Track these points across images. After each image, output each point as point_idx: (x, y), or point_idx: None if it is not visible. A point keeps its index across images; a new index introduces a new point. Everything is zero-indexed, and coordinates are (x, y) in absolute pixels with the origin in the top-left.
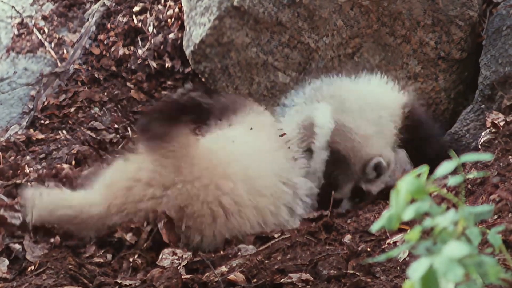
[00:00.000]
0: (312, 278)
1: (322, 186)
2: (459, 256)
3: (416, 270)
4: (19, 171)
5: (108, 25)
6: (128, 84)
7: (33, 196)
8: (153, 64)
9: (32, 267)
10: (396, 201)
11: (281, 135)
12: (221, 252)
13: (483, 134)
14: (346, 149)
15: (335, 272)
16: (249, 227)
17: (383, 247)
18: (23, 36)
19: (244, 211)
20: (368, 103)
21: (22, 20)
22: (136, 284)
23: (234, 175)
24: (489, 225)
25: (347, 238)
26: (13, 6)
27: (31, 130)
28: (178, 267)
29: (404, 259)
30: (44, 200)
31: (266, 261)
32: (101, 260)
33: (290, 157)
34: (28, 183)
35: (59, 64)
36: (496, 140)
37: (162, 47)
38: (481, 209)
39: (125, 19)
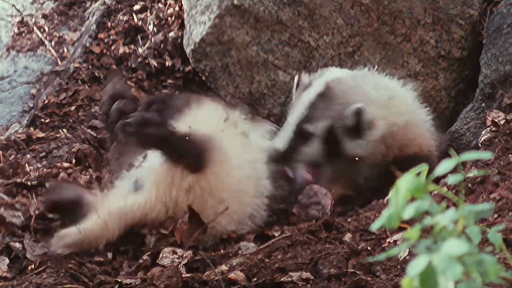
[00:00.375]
0: (312, 277)
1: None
2: (458, 254)
3: (415, 267)
4: (19, 170)
5: (109, 24)
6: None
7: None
8: (154, 62)
9: (33, 266)
10: (396, 199)
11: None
12: (222, 251)
13: (483, 132)
14: (334, 90)
15: (335, 270)
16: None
17: (383, 245)
18: (23, 34)
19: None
20: (390, 91)
21: (23, 18)
22: (137, 283)
23: None
24: (489, 223)
25: (348, 236)
26: (13, 5)
27: (32, 128)
28: (179, 266)
29: (405, 258)
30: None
31: (267, 260)
32: (101, 259)
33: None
34: (29, 182)
35: (59, 63)
36: (496, 139)
37: (162, 45)
38: (481, 208)
39: (125, 18)
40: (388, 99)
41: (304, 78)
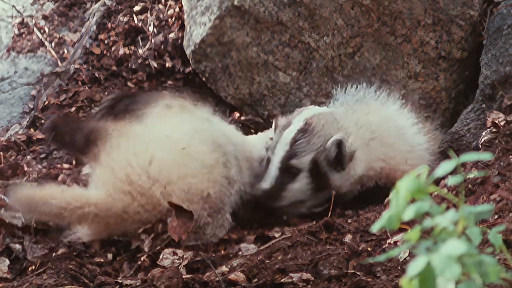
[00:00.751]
0: (312, 278)
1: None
2: (457, 254)
3: (414, 268)
4: (18, 171)
5: (109, 25)
6: (128, 83)
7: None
8: (154, 63)
9: (33, 267)
10: (396, 201)
11: None
12: (222, 252)
13: (483, 133)
14: (314, 125)
15: (335, 271)
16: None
17: (383, 246)
18: (23, 35)
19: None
20: (371, 131)
21: (23, 19)
22: (137, 284)
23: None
24: (489, 224)
25: (348, 237)
26: (13, 6)
27: (32, 129)
28: (179, 267)
29: (405, 258)
30: (59, 197)
31: (267, 261)
32: (102, 260)
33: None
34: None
35: (59, 64)
36: (496, 140)
37: (162, 46)
38: (481, 209)
39: (125, 19)
40: (368, 140)
41: (281, 120)
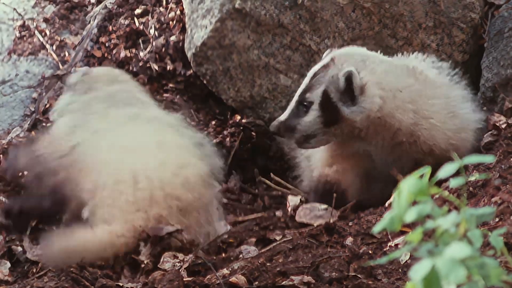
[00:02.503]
0: (313, 281)
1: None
2: (462, 257)
3: (418, 271)
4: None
5: (110, 28)
6: None
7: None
8: (155, 66)
9: (34, 270)
10: (398, 202)
11: None
12: (223, 254)
13: (485, 136)
14: (335, 60)
15: (336, 274)
16: None
17: (384, 249)
18: (24, 38)
19: None
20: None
21: (24, 22)
22: (138, 287)
23: None
24: (491, 227)
25: (349, 240)
26: (14, 9)
27: (33, 132)
28: (180, 270)
29: (406, 261)
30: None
31: (268, 264)
32: (103, 263)
33: None
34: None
35: (60, 67)
36: (497, 142)
37: (163, 49)
38: (483, 211)
39: (126, 22)
40: (396, 90)
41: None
